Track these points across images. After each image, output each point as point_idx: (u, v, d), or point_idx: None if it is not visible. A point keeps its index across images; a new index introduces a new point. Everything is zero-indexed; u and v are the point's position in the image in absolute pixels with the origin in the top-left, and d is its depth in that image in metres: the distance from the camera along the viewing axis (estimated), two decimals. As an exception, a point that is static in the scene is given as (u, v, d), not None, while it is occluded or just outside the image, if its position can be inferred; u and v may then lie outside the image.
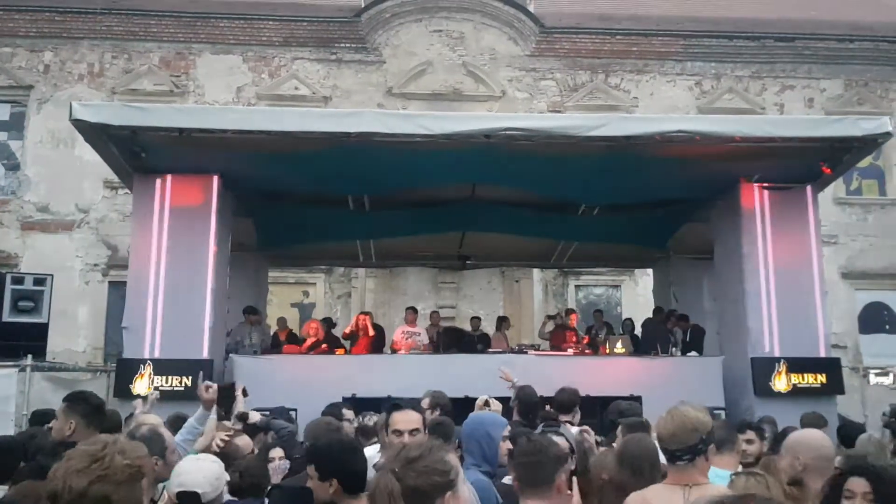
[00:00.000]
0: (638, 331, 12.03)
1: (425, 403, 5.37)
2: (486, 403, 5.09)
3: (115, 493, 1.92)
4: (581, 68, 17.18)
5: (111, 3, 16.37)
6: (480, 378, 6.93)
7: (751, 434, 4.60)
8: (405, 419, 3.35)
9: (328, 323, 11.49)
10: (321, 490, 2.81)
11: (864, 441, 4.93)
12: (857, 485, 2.71)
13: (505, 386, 6.37)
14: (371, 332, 10.93)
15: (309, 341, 10.40)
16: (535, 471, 2.40)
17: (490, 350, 10.64)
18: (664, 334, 10.75)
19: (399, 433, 3.33)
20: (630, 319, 12.64)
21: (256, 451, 4.88)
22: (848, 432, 5.66)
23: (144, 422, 4.74)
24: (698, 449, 2.78)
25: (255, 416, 5.47)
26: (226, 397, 6.34)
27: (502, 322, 12.33)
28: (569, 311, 12.64)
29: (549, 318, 12.42)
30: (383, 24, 16.80)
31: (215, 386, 4.92)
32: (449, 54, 16.87)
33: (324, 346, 10.22)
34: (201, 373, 6.13)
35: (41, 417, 6.52)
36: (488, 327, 13.27)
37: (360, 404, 6.76)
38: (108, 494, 1.90)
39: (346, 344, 10.96)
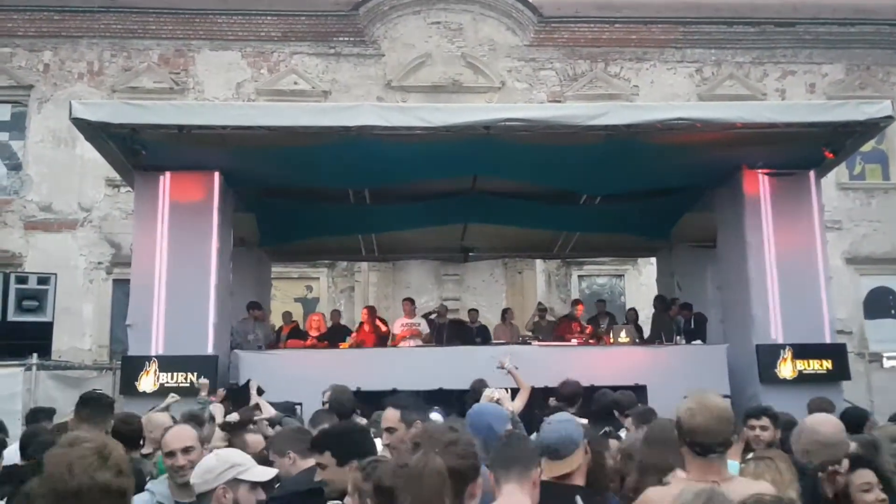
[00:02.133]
0: (642, 321, 12.02)
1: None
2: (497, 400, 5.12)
3: (129, 486, 1.95)
4: (580, 57, 17.12)
5: (109, 1, 16.34)
6: (484, 370, 6.93)
7: (765, 420, 4.48)
8: (385, 417, 3.56)
9: (333, 315, 11.52)
10: (339, 475, 2.92)
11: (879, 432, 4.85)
12: (869, 476, 2.71)
13: (501, 373, 6.44)
14: (372, 328, 10.92)
15: (312, 337, 10.39)
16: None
17: (494, 342, 10.65)
18: (667, 323, 10.74)
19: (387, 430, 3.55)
20: (634, 309, 12.63)
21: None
22: (851, 418, 5.62)
23: (154, 421, 4.78)
24: (730, 441, 2.72)
25: (269, 411, 5.50)
26: (241, 398, 6.39)
27: (505, 313, 12.32)
28: (575, 302, 12.59)
29: (539, 309, 12.40)
30: (381, 16, 16.75)
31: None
32: (447, 46, 16.82)
33: (325, 342, 10.23)
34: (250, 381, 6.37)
35: (36, 415, 6.47)
36: (492, 319, 13.27)
37: (365, 398, 6.78)
38: (127, 488, 1.94)
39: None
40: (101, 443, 1.98)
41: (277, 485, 3.34)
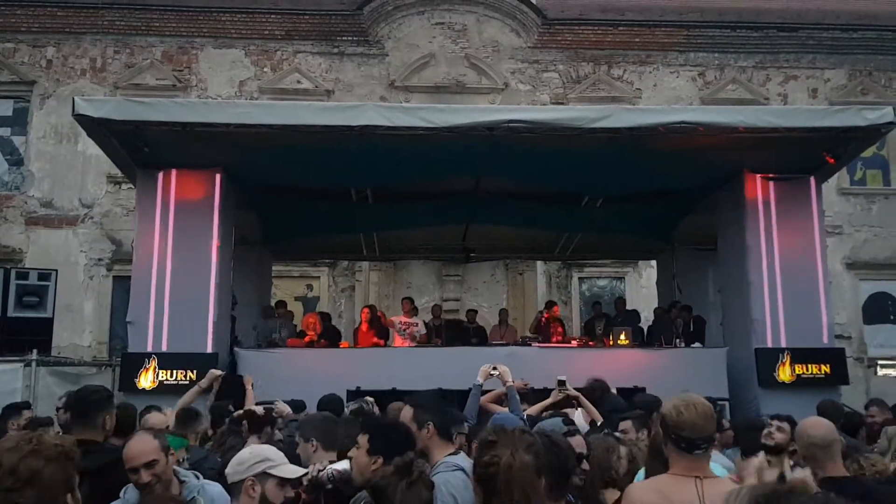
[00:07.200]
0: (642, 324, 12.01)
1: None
2: (494, 368, 5.19)
3: (45, 468, 1.93)
4: (584, 60, 17.13)
5: (113, -3, 16.36)
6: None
7: (785, 424, 4.73)
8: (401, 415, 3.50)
9: (325, 317, 11.50)
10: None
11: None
12: None
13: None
14: (369, 326, 10.92)
15: (309, 336, 10.39)
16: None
17: (494, 342, 10.65)
18: (667, 325, 10.74)
19: None
20: (635, 311, 12.61)
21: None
22: (847, 423, 5.66)
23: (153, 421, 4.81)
24: (713, 438, 2.82)
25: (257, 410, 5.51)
26: (234, 389, 6.41)
27: (502, 314, 12.29)
28: (549, 304, 12.29)
29: (540, 312, 12.35)
30: (385, 16, 16.76)
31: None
32: (451, 46, 16.84)
33: (322, 340, 10.23)
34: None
35: (5, 412, 6.26)
36: (492, 320, 13.28)
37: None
38: (39, 469, 1.92)
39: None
40: (32, 431, 2.02)
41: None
